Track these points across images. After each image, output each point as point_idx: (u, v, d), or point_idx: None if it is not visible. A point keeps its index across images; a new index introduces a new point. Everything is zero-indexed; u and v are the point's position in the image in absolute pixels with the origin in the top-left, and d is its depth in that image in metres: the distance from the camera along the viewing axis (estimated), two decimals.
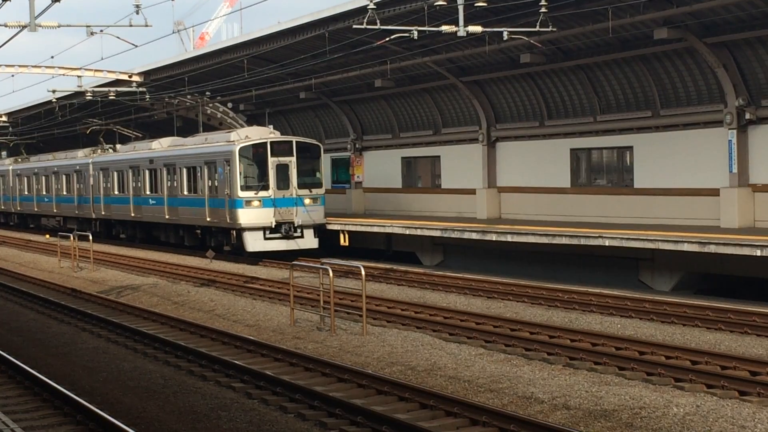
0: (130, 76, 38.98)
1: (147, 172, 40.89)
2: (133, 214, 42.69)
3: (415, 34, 24.51)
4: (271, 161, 33.48)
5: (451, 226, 30.64)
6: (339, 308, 20.15)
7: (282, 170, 33.64)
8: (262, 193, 33.31)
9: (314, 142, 35.73)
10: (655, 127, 28.43)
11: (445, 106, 36.44)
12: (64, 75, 36.72)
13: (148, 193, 40.82)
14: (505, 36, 25.18)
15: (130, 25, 26.21)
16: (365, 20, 24.46)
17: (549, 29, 24.42)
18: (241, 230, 33.27)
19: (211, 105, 44.09)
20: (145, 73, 41.04)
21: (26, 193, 58.76)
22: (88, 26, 27.29)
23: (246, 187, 33.33)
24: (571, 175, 31.44)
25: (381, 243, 35.33)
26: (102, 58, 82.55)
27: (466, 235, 29.43)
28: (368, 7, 24.33)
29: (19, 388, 15.01)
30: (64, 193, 51.67)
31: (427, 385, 14.12)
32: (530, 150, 32.90)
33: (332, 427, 12.41)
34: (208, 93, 41.22)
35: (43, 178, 55.27)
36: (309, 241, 33.63)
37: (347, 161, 41.99)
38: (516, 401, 13.21)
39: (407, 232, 32.15)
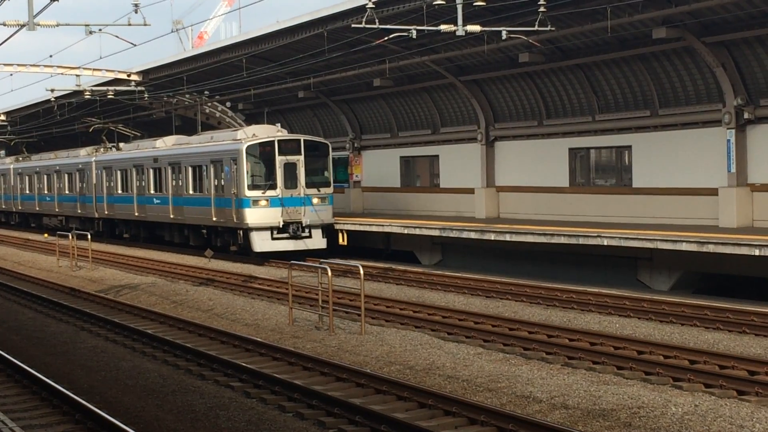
0: (128, 75, 38.93)
1: (151, 171, 40.53)
2: (136, 214, 42.30)
3: (414, 33, 24.50)
4: (279, 160, 33.08)
5: (449, 225, 30.64)
6: (338, 307, 20.15)
7: (290, 169, 33.22)
8: (270, 193, 32.90)
9: (322, 140, 35.36)
10: (653, 126, 28.43)
11: (443, 105, 36.44)
12: (62, 74, 36.65)
13: (152, 192, 40.47)
14: (504, 35, 25.17)
15: (129, 24, 26.18)
16: (364, 19, 24.46)
17: (548, 28, 24.43)
18: (248, 230, 32.85)
19: (209, 104, 44.09)
20: (144, 72, 41.01)
21: (28, 192, 58.28)
22: (86, 25, 27.27)
23: (253, 186, 32.91)
24: (569, 174, 31.45)
25: (380, 242, 35.32)
26: (101, 57, 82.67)
27: (464, 235, 29.43)
28: (367, 6, 24.31)
29: (18, 387, 15.01)
30: (67, 192, 51.26)
31: (425, 385, 14.13)
32: (529, 149, 32.90)
33: (331, 426, 12.41)
34: (206, 92, 41.19)
35: (45, 177, 54.83)
36: (317, 241, 33.23)
37: (346, 160, 41.98)
38: (514, 400, 13.22)
39: (406, 231, 32.15)
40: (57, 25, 25.61)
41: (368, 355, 16.67)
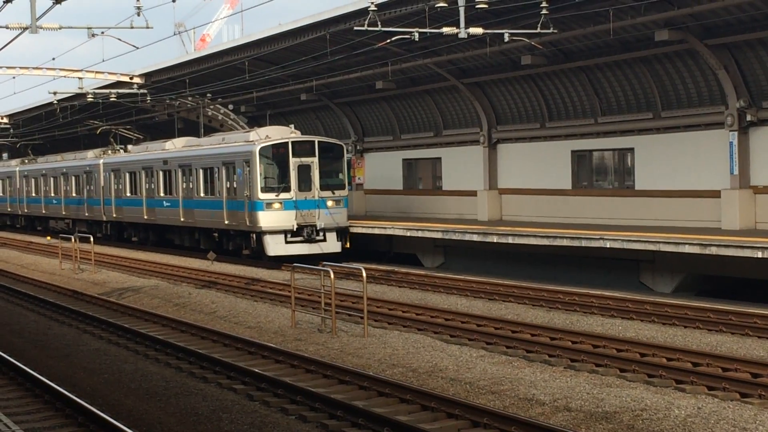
0: (131, 78, 39.02)
1: (161, 173, 39.89)
2: (146, 217, 41.63)
3: (416, 35, 24.52)
4: (293, 162, 32.44)
5: (452, 227, 30.63)
6: (340, 310, 20.14)
7: (304, 171, 32.56)
8: (284, 195, 32.24)
9: (337, 141, 34.69)
10: (656, 128, 28.43)
11: (446, 107, 36.44)
12: (65, 77, 36.77)
13: (162, 194, 39.81)
14: (506, 38, 25.19)
15: (131, 27, 26.19)
16: (366, 22, 24.47)
17: (550, 31, 24.43)
18: (261, 234, 32.19)
19: (212, 107, 44.10)
20: (146, 75, 41.09)
21: (34, 194, 57.43)
22: (89, 28, 27.30)
23: (266, 189, 32.25)
24: (572, 176, 31.44)
25: (382, 245, 35.30)
26: (103, 60, 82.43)
27: (467, 237, 29.42)
28: (369, 8, 24.35)
29: (21, 390, 15.01)
30: (74, 194, 50.51)
31: (428, 387, 14.12)
32: (531, 152, 32.90)
33: (334, 428, 12.41)
34: (209, 95, 41.19)
35: (52, 179, 54.03)
36: (332, 244, 32.53)
37: (348, 163, 41.94)
38: (517, 403, 13.21)
39: (408, 233, 32.13)
40: (59, 28, 25.62)
41: (371, 357, 16.66)
